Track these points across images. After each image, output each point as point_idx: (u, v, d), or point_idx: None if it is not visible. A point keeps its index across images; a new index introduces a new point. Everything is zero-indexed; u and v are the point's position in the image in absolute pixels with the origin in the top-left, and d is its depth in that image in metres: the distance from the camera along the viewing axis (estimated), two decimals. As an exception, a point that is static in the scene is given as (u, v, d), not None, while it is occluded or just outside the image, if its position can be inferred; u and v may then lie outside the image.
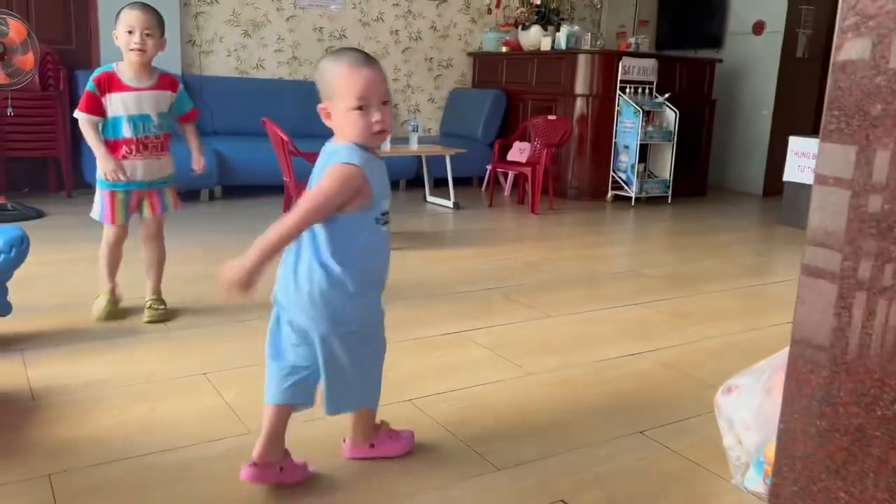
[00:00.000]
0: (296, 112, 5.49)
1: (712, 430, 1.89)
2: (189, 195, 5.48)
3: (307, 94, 5.16)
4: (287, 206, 4.31)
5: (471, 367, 2.47)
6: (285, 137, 3.97)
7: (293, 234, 1.56)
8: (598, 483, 1.77)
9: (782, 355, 1.71)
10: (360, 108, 1.57)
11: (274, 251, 1.52)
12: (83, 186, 5.47)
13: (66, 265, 3.55)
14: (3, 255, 2.37)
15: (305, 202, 1.54)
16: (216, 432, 1.93)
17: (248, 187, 5.62)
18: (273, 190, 5.19)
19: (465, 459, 1.85)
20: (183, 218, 4.82)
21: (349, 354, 1.66)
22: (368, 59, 1.61)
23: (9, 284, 2.47)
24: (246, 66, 6.25)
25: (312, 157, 1.75)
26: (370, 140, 1.62)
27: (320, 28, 6.51)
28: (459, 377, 2.37)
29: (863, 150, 0.89)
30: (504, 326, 2.90)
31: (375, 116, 1.59)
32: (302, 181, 4.21)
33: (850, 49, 0.90)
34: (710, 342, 2.83)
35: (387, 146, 5.17)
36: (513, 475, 1.78)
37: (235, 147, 5.50)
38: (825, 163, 0.95)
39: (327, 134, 1.68)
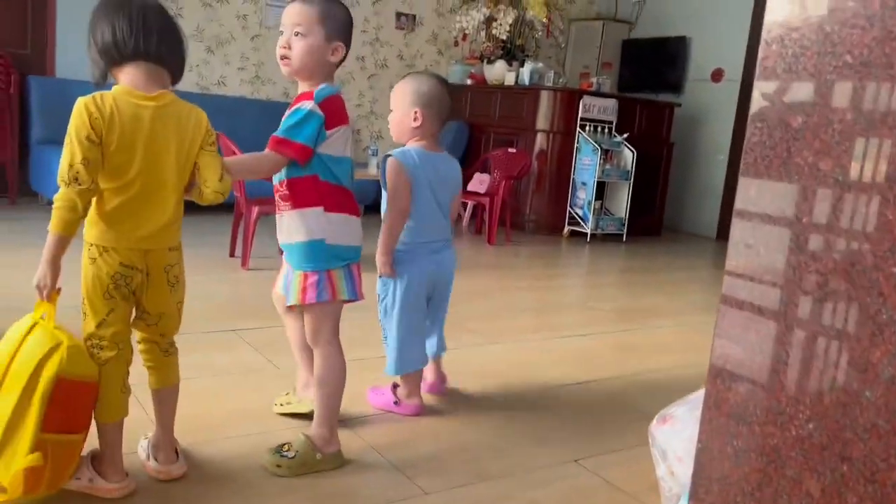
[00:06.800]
0: (257, 131, 5.39)
1: (647, 461, 1.86)
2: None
3: (269, 112, 5.15)
4: (237, 223, 4.21)
5: (409, 391, 2.40)
6: (238, 152, 3.90)
7: None
8: (528, 511, 1.72)
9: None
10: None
11: None
12: (28, 194, 5.31)
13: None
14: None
15: None
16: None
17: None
18: (228, 206, 5.09)
19: (393, 483, 1.78)
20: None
21: None
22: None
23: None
24: (207, 83, 6.18)
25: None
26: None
27: (286, 49, 6.49)
28: (396, 400, 2.30)
29: (784, 162, 0.88)
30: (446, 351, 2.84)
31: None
32: (253, 198, 4.13)
33: (773, 61, 0.89)
34: (653, 375, 2.82)
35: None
36: (440, 499, 1.72)
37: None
38: (744, 186, 0.94)
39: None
